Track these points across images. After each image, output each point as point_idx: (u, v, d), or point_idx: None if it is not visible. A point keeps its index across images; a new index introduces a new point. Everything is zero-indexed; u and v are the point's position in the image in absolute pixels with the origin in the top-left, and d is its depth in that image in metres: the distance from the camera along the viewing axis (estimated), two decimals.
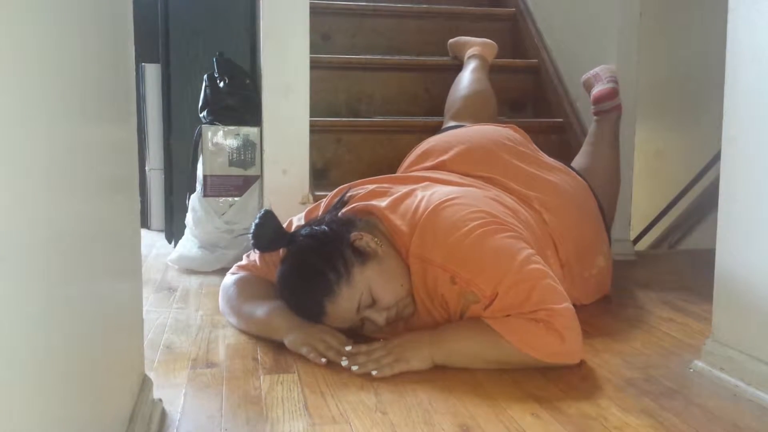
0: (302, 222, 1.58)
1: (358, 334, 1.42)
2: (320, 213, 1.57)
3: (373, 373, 1.27)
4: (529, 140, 1.91)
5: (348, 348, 1.33)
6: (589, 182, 1.87)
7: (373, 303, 1.36)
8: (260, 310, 1.47)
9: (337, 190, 1.63)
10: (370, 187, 1.59)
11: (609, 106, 2.19)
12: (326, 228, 1.42)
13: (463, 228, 1.35)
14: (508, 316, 1.29)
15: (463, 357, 1.30)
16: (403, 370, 1.28)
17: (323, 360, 1.32)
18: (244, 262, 1.63)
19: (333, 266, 1.34)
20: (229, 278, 1.60)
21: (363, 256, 1.37)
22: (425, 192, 1.50)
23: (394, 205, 1.47)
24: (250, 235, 1.43)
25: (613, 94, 2.19)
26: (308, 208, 1.64)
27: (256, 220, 1.43)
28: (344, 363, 1.30)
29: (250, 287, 1.55)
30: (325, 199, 1.63)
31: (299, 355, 1.36)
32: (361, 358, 1.30)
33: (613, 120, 2.19)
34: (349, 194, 1.56)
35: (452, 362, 1.30)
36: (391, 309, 1.38)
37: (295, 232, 1.45)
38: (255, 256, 1.60)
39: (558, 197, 1.70)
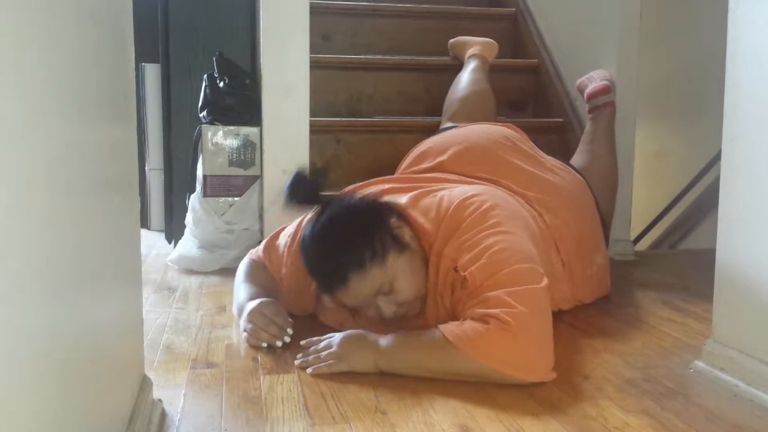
0: (291, 235, 1.58)
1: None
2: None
3: (308, 370, 1.28)
4: (526, 138, 1.90)
5: (290, 331, 1.41)
6: (587, 180, 1.87)
7: (391, 292, 1.34)
8: (241, 295, 1.54)
9: (342, 193, 1.61)
10: (384, 186, 1.59)
11: (603, 101, 2.21)
12: (370, 202, 1.40)
13: (482, 231, 1.34)
14: (464, 320, 1.26)
15: (408, 365, 1.27)
16: (343, 371, 1.28)
17: (264, 345, 1.41)
18: (258, 253, 1.67)
19: (371, 243, 1.32)
20: (246, 259, 1.68)
21: (400, 245, 1.35)
22: (445, 190, 1.49)
23: (414, 203, 1.47)
24: (285, 188, 1.40)
25: (606, 90, 2.22)
26: (301, 219, 1.60)
27: (291, 178, 1.43)
28: (278, 344, 1.40)
29: (254, 273, 1.62)
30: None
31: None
32: (309, 354, 1.32)
33: (607, 117, 2.21)
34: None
35: (397, 369, 1.27)
36: (403, 306, 1.37)
37: (332, 198, 1.43)
38: (261, 253, 1.65)
39: (557, 196, 1.69)
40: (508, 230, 1.36)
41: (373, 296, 1.34)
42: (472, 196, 1.42)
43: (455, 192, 1.46)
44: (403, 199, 1.48)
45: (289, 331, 1.42)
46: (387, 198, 1.50)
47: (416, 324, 1.41)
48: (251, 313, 1.44)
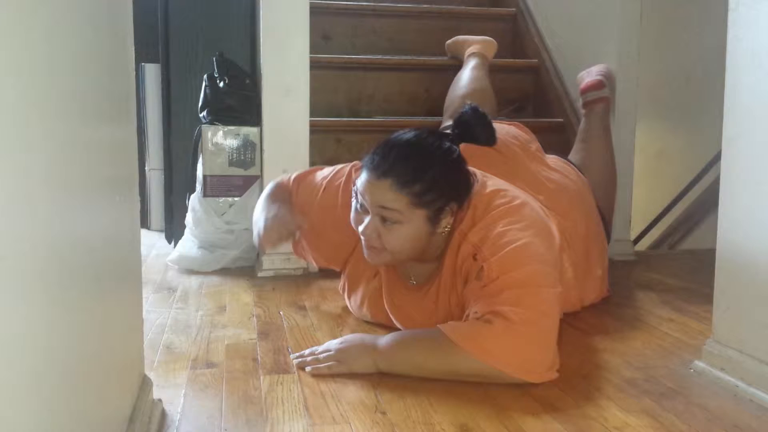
0: (327, 178, 1.60)
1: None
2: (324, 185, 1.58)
3: (307, 369, 1.28)
4: (534, 138, 1.88)
5: (298, 235, 1.45)
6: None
7: (386, 226, 1.32)
8: (262, 207, 1.58)
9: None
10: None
11: (594, 96, 2.21)
12: (464, 172, 1.39)
13: (511, 217, 1.33)
14: (465, 320, 1.26)
15: (408, 365, 1.26)
16: (342, 372, 1.28)
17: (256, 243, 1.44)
18: (286, 180, 1.68)
19: (430, 187, 1.30)
20: (272, 183, 1.69)
21: (433, 217, 1.32)
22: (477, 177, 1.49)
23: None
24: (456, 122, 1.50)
25: (599, 85, 2.22)
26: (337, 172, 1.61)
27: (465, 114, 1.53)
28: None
29: (279, 195, 1.63)
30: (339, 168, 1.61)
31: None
32: (306, 354, 1.32)
33: (600, 113, 2.20)
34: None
35: (397, 370, 1.27)
36: (383, 249, 1.34)
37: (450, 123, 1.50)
38: (290, 182, 1.66)
39: (565, 198, 1.68)
40: (533, 231, 1.34)
41: (377, 209, 1.32)
42: (507, 190, 1.42)
43: (490, 181, 1.46)
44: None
45: (297, 235, 1.49)
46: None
47: (427, 302, 1.41)
48: (270, 218, 1.48)
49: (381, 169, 1.31)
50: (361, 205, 1.35)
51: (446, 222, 1.35)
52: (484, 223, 1.34)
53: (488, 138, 1.60)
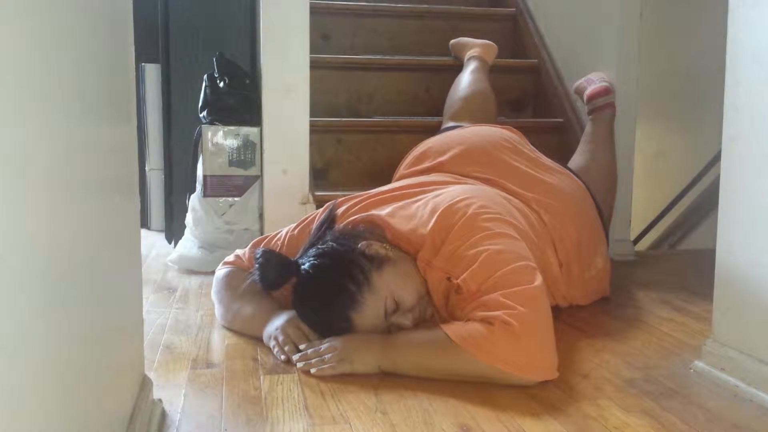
0: (295, 232, 1.58)
1: None
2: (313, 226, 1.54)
3: (312, 371, 1.27)
4: (526, 141, 1.91)
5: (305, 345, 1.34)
6: (586, 182, 1.87)
7: (397, 307, 1.34)
8: (246, 308, 1.49)
9: (325, 206, 1.60)
10: (365, 196, 1.58)
11: (603, 102, 2.23)
12: (333, 244, 1.39)
13: (471, 237, 1.34)
14: (467, 321, 1.26)
15: (411, 366, 1.27)
16: (346, 372, 1.27)
17: (282, 357, 1.34)
18: (231, 258, 1.63)
19: (351, 277, 1.31)
20: (220, 271, 1.61)
21: (377, 261, 1.34)
22: (431, 194, 1.50)
23: (395, 211, 1.47)
24: (256, 277, 1.35)
25: (606, 91, 2.24)
26: (302, 219, 1.61)
27: (259, 260, 1.36)
28: (295, 357, 1.32)
29: (237, 282, 1.54)
30: (318, 213, 1.60)
31: None
32: (310, 354, 1.31)
33: (607, 118, 2.22)
34: (342, 209, 1.54)
35: (400, 370, 1.27)
36: (415, 309, 1.37)
37: (299, 258, 1.40)
38: (241, 251, 1.62)
39: (556, 199, 1.70)
40: (497, 231, 1.36)
41: (385, 319, 1.34)
42: (459, 201, 1.42)
43: (441, 197, 1.46)
44: (384, 211, 1.48)
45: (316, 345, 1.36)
46: (372, 211, 1.48)
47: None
48: (286, 326, 1.39)
49: (344, 326, 1.32)
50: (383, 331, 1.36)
51: (379, 248, 1.36)
52: (446, 246, 1.35)
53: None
